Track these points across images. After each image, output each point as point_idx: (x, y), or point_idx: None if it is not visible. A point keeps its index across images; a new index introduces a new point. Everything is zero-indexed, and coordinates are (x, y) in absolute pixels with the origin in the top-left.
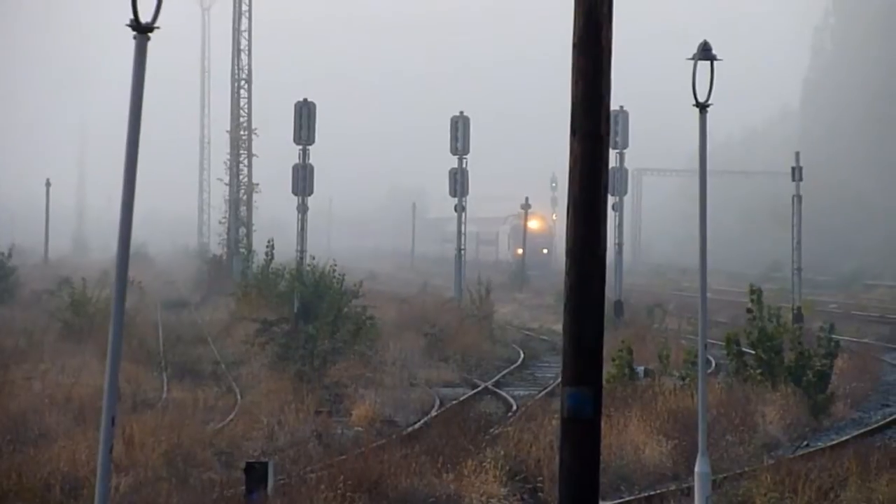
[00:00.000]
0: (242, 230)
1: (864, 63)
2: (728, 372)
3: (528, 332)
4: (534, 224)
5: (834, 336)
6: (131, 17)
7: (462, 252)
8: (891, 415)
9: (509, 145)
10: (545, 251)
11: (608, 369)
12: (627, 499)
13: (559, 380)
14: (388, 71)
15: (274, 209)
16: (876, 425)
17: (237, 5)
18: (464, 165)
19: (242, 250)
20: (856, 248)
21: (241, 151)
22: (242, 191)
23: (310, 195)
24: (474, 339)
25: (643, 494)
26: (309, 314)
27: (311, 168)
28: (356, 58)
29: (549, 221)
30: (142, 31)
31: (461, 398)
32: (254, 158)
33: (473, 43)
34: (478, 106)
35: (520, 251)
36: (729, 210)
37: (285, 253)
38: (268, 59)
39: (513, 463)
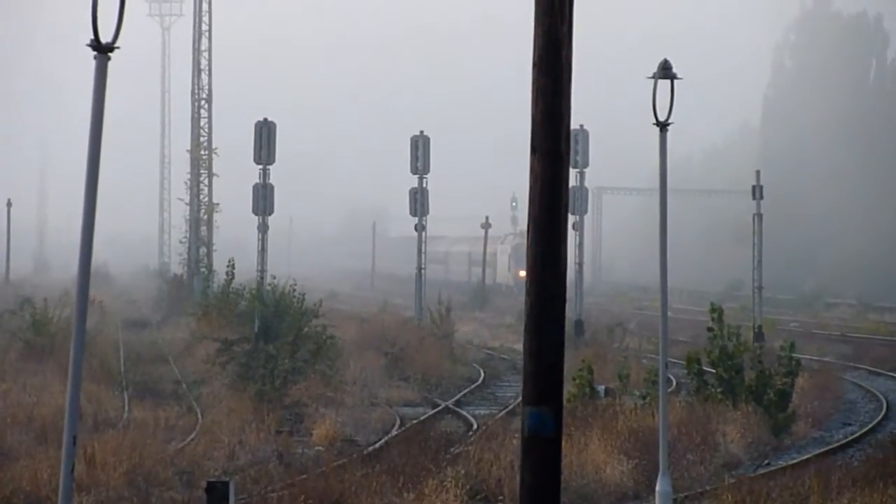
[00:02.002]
0: (203, 250)
1: (824, 80)
2: (689, 391)
3: (488, 351)
4: None
5: (795, 355)
6: (91, 37)
7: (422, 271)
8: (852, 434)
9: (469, 165)
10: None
11: (569, 388)
12: None
13: (520, 399)
14: (347, 90)
15: (234, 229)
16: (837, 444)
17: (197, 25)
18: (424, 185)
19: (203, 270)
20: (817, 266)
21: (202, 171)
22: (203, 210)
23: (270, 215)
24: (435, 358)
25: None
26: (269, 334)
27: (272, 188)
28: (316, 78)
29: (576, 240)
30: (102, 50)
31: (422, 417)
32: (214, 178)
33: (433, 63)
34: (438, 125)
35: (522, 273)
36: (690, 228)
37: (246, 272)
38: (228, 79)
39: (474, 482)
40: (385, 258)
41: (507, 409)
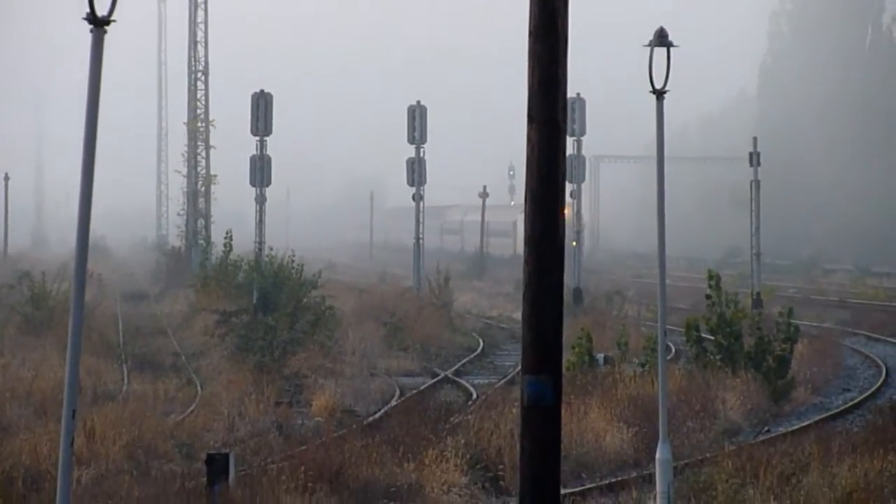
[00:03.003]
0: (201, 222)
1: (820, 47)
2: (688, 358)
3: (487, 321)
4: None
5: (793, 321)
6: (87, 10)
7: (420, 241)
8: (852, 399)
9: (467, 134)
10: (574, 244)
11: (568, 357)
12: (589, 486)
13: (519, 368)
14: (344, 61)
15: (232, 201)
16: (837, 410)
17: None
18: (421, 154)
19: (201, 242)
20: (814, 232)
21: (199, 143)
22: (200, 182)
23: (267, 186)
24: (434, 328)
25: (605, 482)
26: (268, 305)
27: (269, 159)
28: (312, 49)
29: (572, 209)
30: (98, 24)
31: (421, 387)
32: (212, 150)
33: (429, 32)
34: (435, 95)
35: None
36: (687, 196)
37: (244, 244)
38: (225, 50)
39: (473, 451)
40: (390, 228)
41: (506, 379)
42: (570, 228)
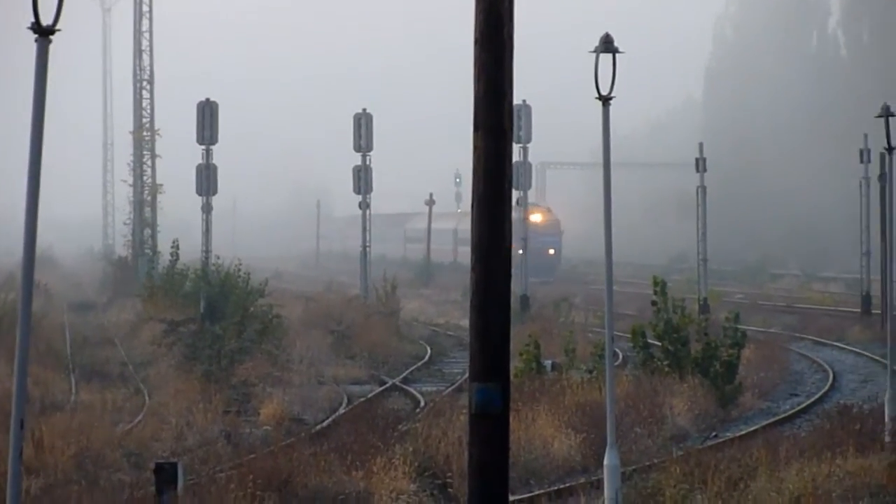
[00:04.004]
0: (147, 231)
1: (766, 51)
2: (635, 364)
3: (434, 328)
4: (537, 217)
5: (740, 326)
6: (32, 20)
7: (367, 249)
8: (799, 404)
9: (413, 142)
10: (552, 252)
11: (515, 364)
12: (537, 493)
13: (466, 375)
14: (289, 69)
15: (179, 210)
16: (784, 415)
17: (138, 6)
18: (367, 162)
19: (148, 251)
20: (761, 238)
21: (145, 152)
22: (146, 192)
23: (214, 195)
24: (381, 335)
25: (553, 488)
26: (215, 314)
27: (215, 168)
28: (256, 57)
29: (553, 215)
30: (43, 33)
31: (369, 395)
32: (157, 159)
33: (374, 40)
34: (380, 103)
35: (520, 251)
36: (634, 202)
37: (191, 253)
38: (170, 59)
39: (422, 459)
40: (345, 237)
41: (454, 386)
42: (516, 235)
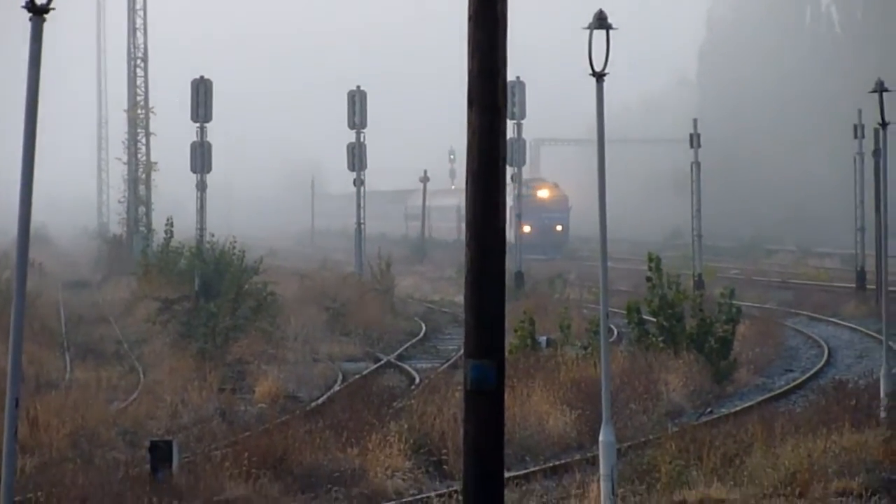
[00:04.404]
0: (142, 209)
1: (760, 29)
2: (630, 340)
3: (429, 305)
4: (544, 193)
5: (735, 302)
6: None
7: (362, 226)
8: (794, 380)
9: (407, 118)
10: (559, 228)
11: (510, 340)
12: (533, 469)
13: (462, 352)
14: (283, 46)
15: (173, 188)
16: (780, 390)
17: None
18: (362, 139)
19: (142, 229)
20: (756, 213)
21: (139, 130)
22: (141, 170)
23: (208, 173)
24: (376, 312)
25: (548, 465)
26: (210, 292)
27: (209, 146)
28: (251, 33)
29: (561, 190)
30: (37, 12)
31: (364, 372)
32: (152, 137)
33: (369, 15)
34: (374, 79)
35: (527, 228)
36: (629, 178)
37: (186, 231)
38: (164, 37)
39: (417, 436)
40: (343, 216)
41: (449, 363)
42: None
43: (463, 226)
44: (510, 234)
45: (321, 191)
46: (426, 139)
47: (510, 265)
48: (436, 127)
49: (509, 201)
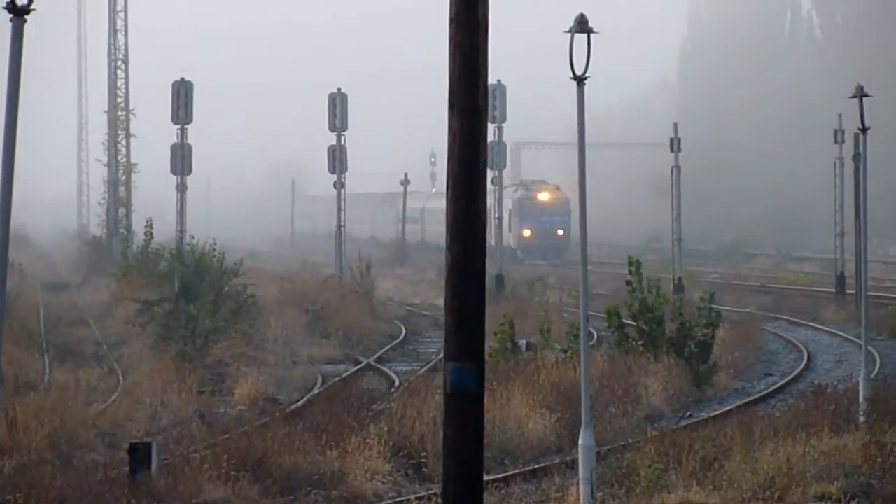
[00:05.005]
0: (122, 211)
1: (740, 32)
2: (610, 344)
3: (409, 308)
4: (545, 196)
5: (715, 306)
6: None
7: (342, 229)
8: (773, 384)
9: (388, 121)
10: (561, 232)
11: (490, 344)
12: (512, 472)
13: (441, 355)
14: (264, 46)
15: (153, 189)
16: (759, 395)
17: None
18: (342, 142)
19: (122, 231)
20: (736, 218)
21: (120, 132)
22: (121, 171)
23: (188, 175)
24: (356, 315)
25: (527, 468)
26: (190, 294)
27: (190, 147)
28: (232, 36)
29: (563, 193)
30: (18, 13)
31: (344, 375)
32: (132, 139)
33: (349, 18)
34: (355, 81)
35: (527, 233)
36: (609, 182)
37: (166, 233)
38: (145, 38)
39: (396, 439)
40: (328, 218)
41: (429, 366)
42: (491, 215)
43: None
44: (510, 239)
45: (303, 193)
46: (407, 141)
47: (490, 268)
48: (417, 129)
49: (508, 204)
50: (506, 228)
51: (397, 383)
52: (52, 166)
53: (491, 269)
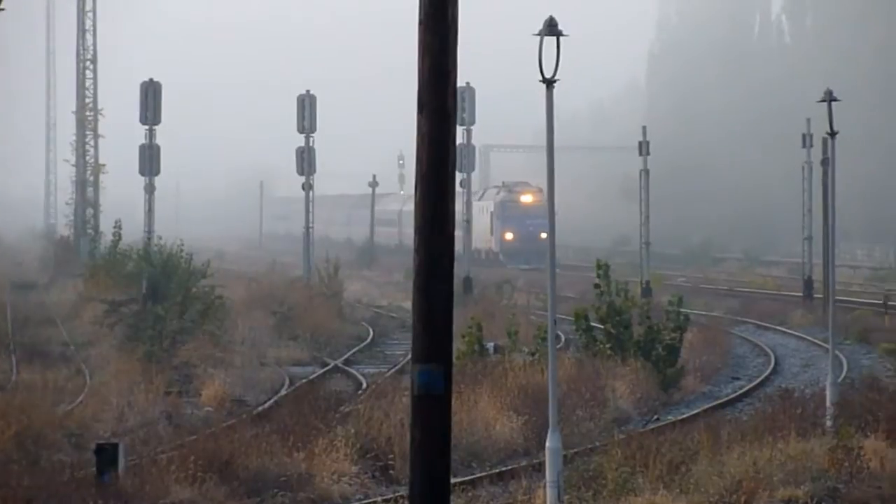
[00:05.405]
0: (90, 211)
1: (709, 36)
2: (578, 347)
3: (377, 310)
4: (528, 199)
5: (682, 310)
6: None
7: (310, 230)
8: (741, 388)
9: (356, 123)
10: (544, 236)
11: (458, 346)
12: (479, 475)
13: (409, 357)
14: (232, 52)
15: (121, 190)
16: (726, 398)
17: None
18: (311, 144)
19: (90, 231)
20: (704, 221)
21: (88, 132)
22: (89, 172)
23: (157, 175)
24: (323, 317)
25: (495, 471)
26: (157, 294)
27: (158, 148)
28: (200, 37)
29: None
30: None
31: (311, 377)
32: (100, 139)
33: (318, 19)
34: (323, 83)
35: (510, 236)
36: (578, 185)
37: (134, 234)
38: (114, 38)
39: (364, 441)
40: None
41: (396, 368)
42: (459, 217)
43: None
44: (492, 242)
45: (272, 195)
46: (375, 143)
47: (458, 271)
48: (385, 131)
49: (490, 206)
50: (486, 231)
51: (365, 385)
52: (20, 166)
53: (459, 271)
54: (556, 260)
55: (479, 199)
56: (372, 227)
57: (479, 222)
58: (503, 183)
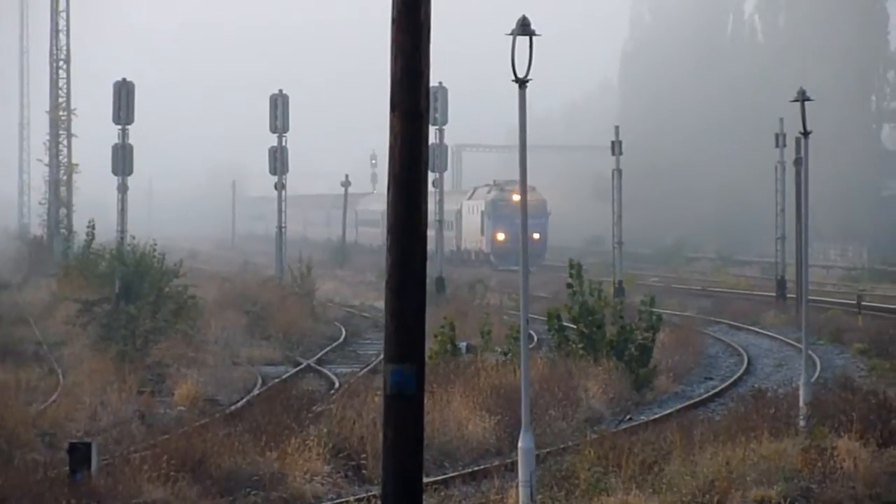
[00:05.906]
0: (63, 211)
1: (682, 35)
2: (550, 347)
3: (349, 310)
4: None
5: (655, 309)
6: None
7: (283, 230)
8: (713, 388)
9: (329, 122)
10: (537, 236)
11: (431, 346)
12: (452, 475)
13: (381, 357)
14: (207, 46)
15: (94, 190)
16: (699, 398)
17: None
18: (284, 143)
19: (63, 231)
20: (677, 221)
21: (61, 132)
22: (62, 171)
23: (129, 175)
24: (296, 316)
25: (467, 470)
26: (130, 294)
27: (131, 148)
28: (173, 35)
29: (539, 194)
30: None
31: (284, 376)
32: (73, 139)
33: (291, 17)
34: (296, 82)
35: (501, 236)
36: (550, 185)
37: (107, 233)
38: (87, 38)
39: (336, 440)
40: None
41: (368, 367)
42: (432, 217)
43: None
44: (483, 243)
45: (244, 194)
46: (348, 142)
47: (431, 270)
48: (357, 131)
49: (480, 206)
50: (477, 232)
51: (337, 385)
52: None
53: (432, 271)
54: (528, 259)
55: (469, 199)
56: (344, 226)
57: (469, 222)
58: (494, 181)
